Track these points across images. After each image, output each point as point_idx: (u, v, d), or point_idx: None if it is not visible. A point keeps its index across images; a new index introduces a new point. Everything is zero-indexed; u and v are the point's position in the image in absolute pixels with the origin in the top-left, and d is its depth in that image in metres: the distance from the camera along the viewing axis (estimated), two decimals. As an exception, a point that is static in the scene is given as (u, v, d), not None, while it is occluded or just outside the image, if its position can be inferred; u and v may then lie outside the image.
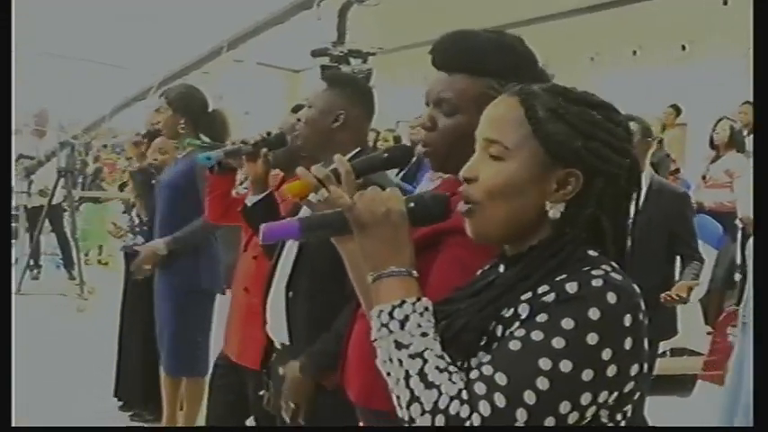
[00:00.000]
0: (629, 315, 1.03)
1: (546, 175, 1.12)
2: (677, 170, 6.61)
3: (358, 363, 1.60)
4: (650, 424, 3.39)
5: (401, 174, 4.82)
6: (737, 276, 5.37)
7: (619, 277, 1.07)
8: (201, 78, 14.52)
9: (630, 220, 3.70)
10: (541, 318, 1.04)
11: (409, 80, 9.61)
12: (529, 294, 1.07)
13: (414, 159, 2.43)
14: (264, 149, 2.37)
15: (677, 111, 8.36)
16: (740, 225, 5.53)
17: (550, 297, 1.05)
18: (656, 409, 3.56)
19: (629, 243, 3.66)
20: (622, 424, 1.10)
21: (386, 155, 1.56)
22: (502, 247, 1.21)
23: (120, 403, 4.42)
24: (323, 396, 1.99)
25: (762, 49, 1.60)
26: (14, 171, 7.04)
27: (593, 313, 1.02)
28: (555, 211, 1.12)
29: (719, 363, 3.50)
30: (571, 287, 1.04)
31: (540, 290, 1.06)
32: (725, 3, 8.51)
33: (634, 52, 10.13)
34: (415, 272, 1.13)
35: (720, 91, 8.32)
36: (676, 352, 4.93)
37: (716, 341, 3.86)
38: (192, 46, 7.38)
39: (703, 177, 6.12)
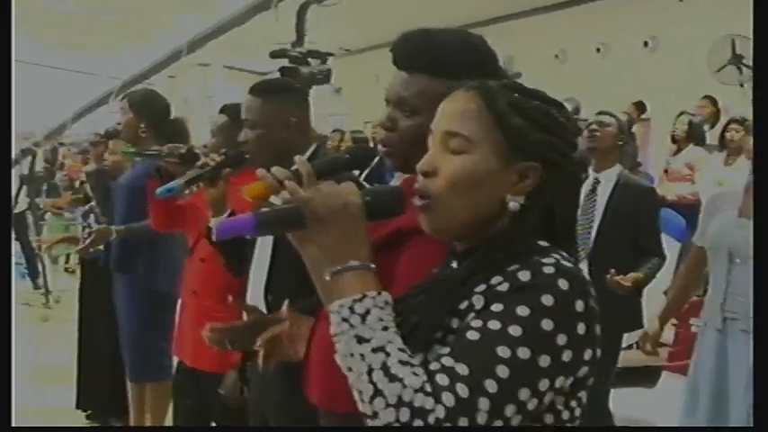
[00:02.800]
0: (580, 301, 1.05)
1: (506, 168, 1.13)
2: (638, 164, 6.69)
3: (320, 365, 1.58)
4: (615, 415, 3.42)
5: (363, 174, 4.81)
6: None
7: (569, 264, 1.08)
8: (167, 82, 14.47)
9: (600, 215, 3.66)
10: (497, 307, 1.05)
11: (378, 81, 9.62)
12: (483, 286, 1.09)
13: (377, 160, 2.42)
14: (226, 170, 2.34)
15: (641, 107, 8.45)
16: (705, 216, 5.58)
17: (504, 287, 1.06)
18: (621, 400, 3.59)
19: (593, 235, 3.66)
20: (577, 412, 1.11)
21: (348, 155, 1.56)
22: (452, 243, 1.21)
23: (87, 413, 4.38)
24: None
25: (762, 50, 1.61)
26: None
27: (547, 300, 1.04)
28: (515, 204, 1.13)
29: (683, 353, 3.53)
30: (524, 275, 1.06)
31: (494, 281, 1.08)
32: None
33: (598, 49, 10.24)
34: (373, 265, 1.12)
35: (682, 86, 8.42)
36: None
37: (680, 332, 3.90)
38: (154, 49, 7.34)
39: (665, 171, 6.20)
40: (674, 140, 6.20)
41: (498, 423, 1.01)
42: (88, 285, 4.41)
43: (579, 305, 1.05)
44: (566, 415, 1.09)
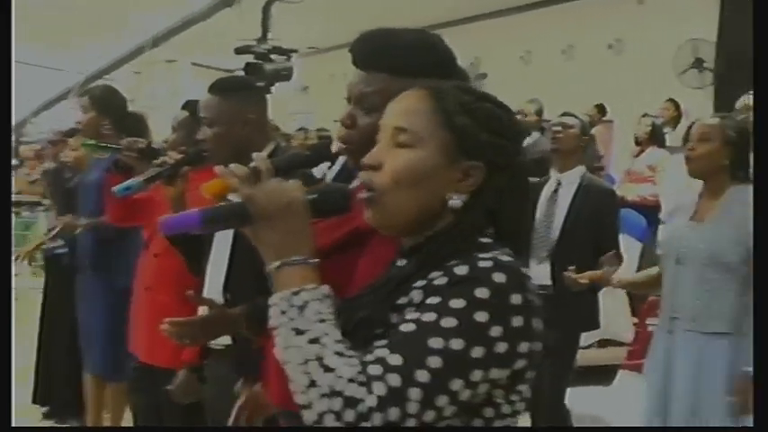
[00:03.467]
0: (517, 294, 1.07)
1: (452, 166, 1.15)
2: (601, 167, 6.77)
3: (279, 365, 1.59)
4: (573, 413, 3.46)
5: (333, 172, 4.79)
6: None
7: (508, 259, 1.10)
8: (133, 78, 14.35)
9: (565, 215, 3.69)
10: (433, 300, 1.07)
11: (346, 79, 9.61)
12: (423, 281, 1.11)
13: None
14: (185, 168, 2.33)
15: (601, 109, 8.55)
16: (665, 219, 5.67)
17: (442, 281, 1.08)
18: (579, 398, 3.63)
19: (555, 236, 3.70)
20: (519, 405, 1.13)
21: (307, 152, 1.56)
22: (400, 242, 1.23)
23: (45, 410, 4.33)
24: None
25: (762, 49, 1.64)
26: None
27: (482, 292, 1.05)
28: (456, 201, 1.15)
29: (641, 352, 3.58)
30: (461, 270, 1.08)
31: (433, 275, 1.10)
32: (640, 2, 8.75)
33: (563, 51, 10.33)
34: (314, 260, 1.14)
35: (646, 88, 8.53)
36: (603, 343, 5.04)
37: (639, 331, 3.96)
38: (120, 45, 7.28)
39: (627, 172, 6.28)
40: (637, 142, 6.29)
41: (431, 413, 1.03)
42: (52, 284, 4.36)
43: (516, 298, 1.07)
44: (506, 408, 1.11)
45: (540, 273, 3.48)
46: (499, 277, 1.07)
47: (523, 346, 1.08)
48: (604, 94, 8.97)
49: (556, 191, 3.54)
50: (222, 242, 2.18)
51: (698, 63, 8.79)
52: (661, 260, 3.00)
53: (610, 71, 9.56)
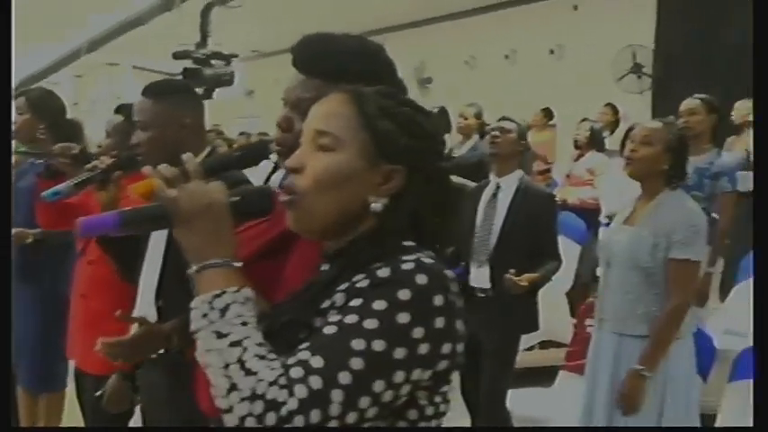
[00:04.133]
0: (439, 295, 1.08)
1: (372, 170, 1.16)
2: (547, 170, 6.86)
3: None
4: (513, 415, 3.49)
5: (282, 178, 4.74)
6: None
7: (431, 261, 1.11)
8: (73, 82, 14.07)
9: (504, 219, 3.71)
10: (355, 302, 1.08)
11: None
12: (346, 284, 1.11)
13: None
14: (117, 173, 2.29)
15: (548, 114, 8.67)
16: (604, 221, 5.76)
17: (364, 283, 1.09)
18: (519, 400, 3.66)
19: (494, 240, 3.73)
20: (442, 407, 1.14)
21: (238, 153, 1.55)
22: (324, 246, 1.23)
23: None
24: None
25: (762, 49, 1.66)
26: None
27: (404, 294, 1.06)
28: (377, 205, 1.15)
29: (580, 353, 3.63)
30: (383, 272, 1.09)
31: (356, 278, 1.11)
32: (575, 8, 8.90)
33: (506, 56, 10.46)
34: (237, 263, 1.13)
35: (586, 93, 8.68)
36: (544, 345, 5.11)
37: (577, 332, 4.01)
38: (60, 48, 7.13)
39: (568, 176, 6.37)
40: (576, 146, 6.39)
41: (353, 415, 1.03)
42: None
43: (438, 300, 1.08)
44: (430, 410, 1.12)
45: (479, 276, 3.51)
46: (421, 279, 1.07)
47: (446, 347, 1.09)
48: (547, 98, 9.10)
49: (495, 195, 3.56)
50: (155, 249, 2.15)
51: (636, 68, 8.97)
52: (599, 262, 3.07)
53: (551, 76, 9.71)
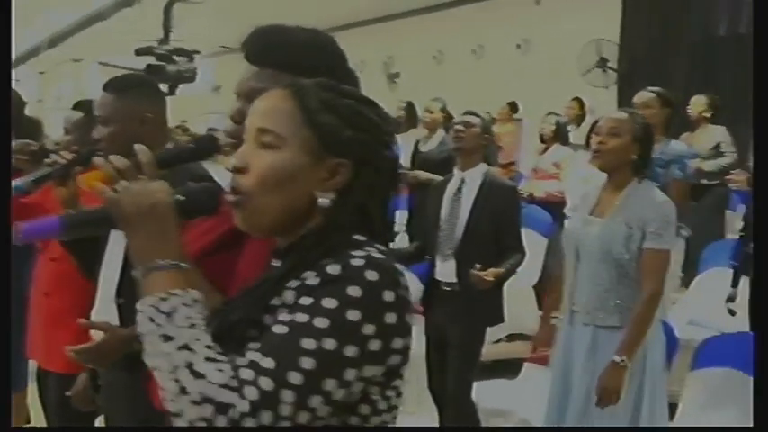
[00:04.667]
0: (390, 291, 1.07)
1: (317, 165, 1.14)
2: (512, 163, 6.90)
3: None
4: (479, 407, 3.51)
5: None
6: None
7: (381, 256, 1.10)
8: (37, 78, 13.88)
9: (468, 213, 3.69)
10: (305, 300, 1.06)
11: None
12: (296, 282, 1.10)
13: None
14: (76, 168, 2.26)
15: (513, 108, 8.71)
16: (569, 214, 5.82)
17: (314, 281, 1.08)
18: (485, 392, 3.69)
19: (459, 234, 3.71)
20: (394, 401, 1.14)
21: (192, 145, 1.54)
22: (275, 241, 1.22)
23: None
24: None
25: (761, 48, 1.68)
26: None
27: (354, 291, 1.05)
28: (325, 200, 1.14)
29: (545, 345, 3.67)
30: (333, 269, 1.08)
31: (306, 275, 1.09)
32: (537, 2, 8.95)
33: (473, 51, 10.50)
34: (184, 264, 1.11)
35: (552, 87, 8.73)
36: (512, 337, 5.15)
37: (542, 324, 4.05)
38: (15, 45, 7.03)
39: (534, 170, 6.42)
40: (542, 140, 6.43)
41: (304, 414, 1.03)
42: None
43: (388, 295, 1.07)
44: (382, 404, 1.12)
45: (445, 270, 3.52)
46: (371, 275, 1.07)
47: (397, 342, 1.09)
48: (514, 93, 9.15)
49: (459, 189, 3.57)
50: (116, 245, 2.13)
51: (602, 63, 9.05)
52: (565, 254, 3.05)
53: (518, 70, 9.76)
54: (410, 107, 7.27)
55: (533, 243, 5.03)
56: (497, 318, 3.61)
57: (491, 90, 9.36)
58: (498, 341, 5.07)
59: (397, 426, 1.16)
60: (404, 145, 6.51)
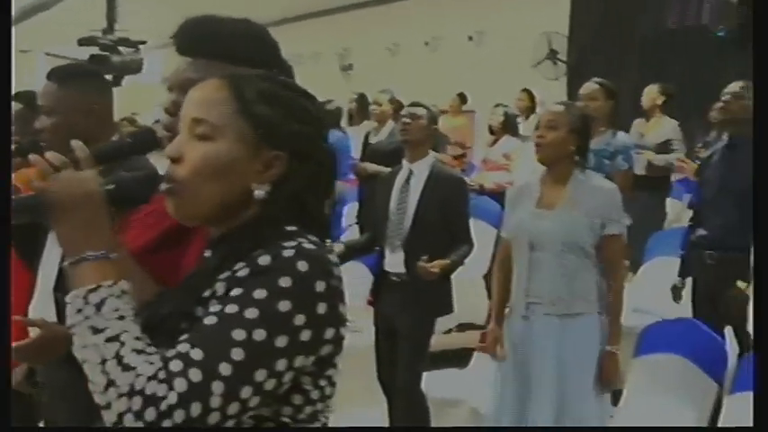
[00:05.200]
0: (321, 281, 1.07)
1: (252, 156, 1.13)
2: (463, 154, 6.94)
3: None
4: (429, 397, 3.53)
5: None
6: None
7: (312, 247, 1.10)
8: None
9: (417, 204, 3.67)
10: (236, 292, 1.06)
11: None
12: (227, 273, 1.10)
13: None
14: (16, 160, 2.22)
15: (462, 99, 8.76)
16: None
17: (245, 272, 1.08)
18: (435, 382, 3.72)
19: (408, 225, 3.71)
20: (328, 390, 1.14)
21: (130, 139, 1.52)
22: (209, 232, 1.21)
23: None
24: None
25: (761, 47, 1.70)
26: None
27: (285, 281, 1.05)
28: (260, 192, 1.14)
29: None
30: (264, 260, 1.07)
31: (237, 267, 1.09)
32: None
33: (426, 43, 10.53)
34: (114, 254, 1.10)
35: (504, 79, 8.80)
36: (462, 327, 5.17)
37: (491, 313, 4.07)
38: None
39: (484, 161, 6.46)
40: (491, 131, 6.48)
41: (235, 405, 1.03)
42: None
43: (320, 286, 1.07)
44: (315, 394, 1.12)
45: (394, 261, 3.53)
46: (302, 265, 1.07)
47: (329, 332, 1.09)
48: (467, 84, 9.20)
49: (408, 180, 3.58)
50: (55, 239, 2.10)
51: (552, 54, 9.15)
52: (513, 247, 3.07)
53: (471, 62, 9.82)
54: (362, 99, 7.27)
55: (483, 233, 5.07)
56: (446, 308, 3.64)
57: (445, 82, 9.39)
58: (449, 331, 5.10)
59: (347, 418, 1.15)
60: (355, 136, 6.52)
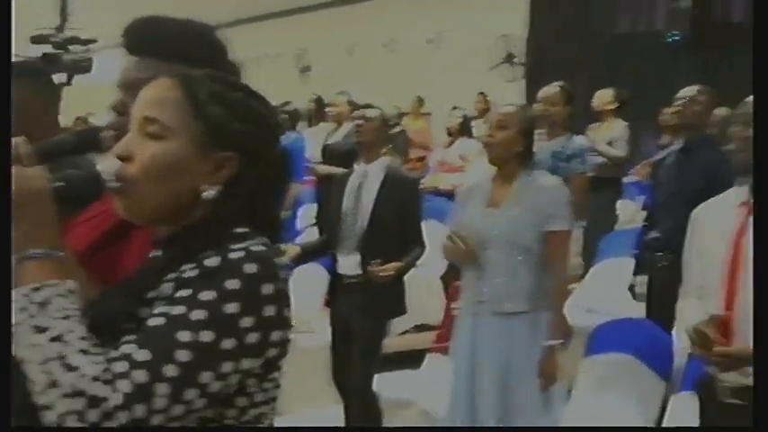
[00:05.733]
0: (269, 284, 1.07)
1: (203, 157, 1.13)
2: (423, 157, 6.98)
3: None
4: (381, 397, 3.54)
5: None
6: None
7: (261, 249, 1.10)
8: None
9: (371, 206, 3.66)
10: (183, 293, 1.06)
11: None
12: (174, 274, 1.09)
13: None
14: None
15: (420, 101, 8.81)
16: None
17: (193, 273, 1.07)
18: (387, 383, 3.73)
19: (363, 227, 3.70)
20: (273, 392, 1.14)
21: (74, 138, 1.50)
22: (156, 232, 1.20)
23: None
24: None
25: (762, 48, 1.72)
26: None
27: (233, 284, 1.05)
28: (210, 193, 1.13)
29: (448, 334, 3.72)
30: (212, 261, 1.07)
31: (185, 267, 1.09)
32: None
33: (384, 45, 10.56)
34: (60, 253, 1.08)
35: (461, 81, 8.86)
36: (419, 328, 5.19)
37: (446, 314, 4.10)
38: None
39: (440, 162, 6.50)
40: (448, 133, 6.52)
41: (179, 407, 1.02)
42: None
43: (267, 288, 1.07)
44: (260, 396, 1.12)
45: (348, 263, 3.53)
46: (250, 268, 1.06)
47: (275, 335, 1.09)
48: (425, 86, 9.24)
49: (362, 182, 3.58)
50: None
51: (509, 57, 9.24)
52: None
53: (429, 64, 9.86)
54: (319, 101, 7.28)
55: (439, 235, 5.09)
56: (399, 310, 3.65)
57: (403, 84, 9.43)
58: (405, 332, 5.12)
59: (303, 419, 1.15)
60: (313, 138, 6.52)
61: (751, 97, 2.23)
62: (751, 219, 2.19)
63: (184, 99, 1.14)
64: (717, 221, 2.30)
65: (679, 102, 3.83)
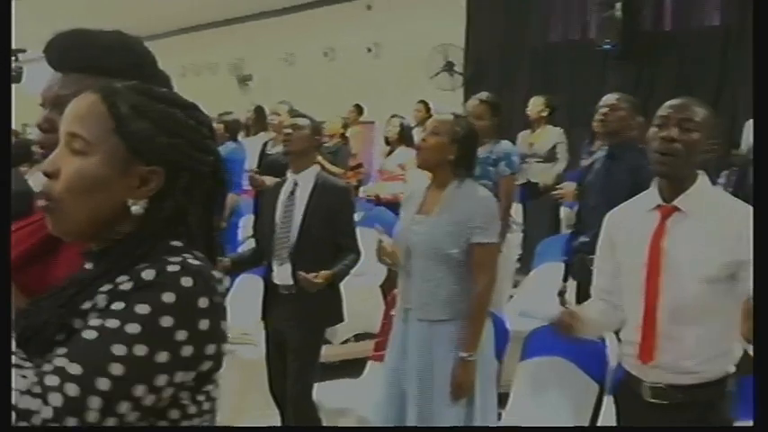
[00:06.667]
0: (204, 298, 1.07)
1: (128, 172, 1.12)
2: (360, 165, 6.98)
3: None
4: (321, 407, 3.53)
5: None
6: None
7: (197, 263, 1.10)
8: None
9: (303, 215, 3.67)
10: (117, 306, 1.05)
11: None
12: (109, 286, 1.09)
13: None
14: None
15: (359, 110, 8.83)
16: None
17: (128, 285, 1.07)
18: (327, 392, 3.72)
19: (294, 236, 3.67)
20: (206, 405, 1.14)
21: None
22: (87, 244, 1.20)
23: None
24: None
25: (762, 50, 1.74)
26: None
27: (168, 297, 1.05)
28: (138, 207, 1.13)
29: (386, 342, 3.73)
30: (148, 274, 1.07)
31: (119, 280, 1.08)
32: (368, 8, 9.12)
33: (325, 53, 10.57)
34: None
35: (402, 90, 8.92)
36: (360, 337, 5.20)
37: (384, 322, 4.11)
38: None
39: (380, 171, 6.52)
40: (387, 142, 6.54)
41: (112, 420, 1.02)
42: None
43: (203, 302, 1.07)
44: (192, 409, 1.12)
45: (282, 273, 3.51)
46: (187, 281, 1.06)
47: (210, 348, 1.09)
48: (365, 95, 9.28)
49: (293, 192, 3.56)
50: None
51: (449, 66, 9.33)
52: (399, 252, 3.10)
53: (369, 73, 9.90)
54: (259, 110, 7.24)
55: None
56: (336, 318, 3.64)
57: (343, 92, 9.45)
58: (347, 341, 5.12)
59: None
60: (253, 147, 6.48)
61: (673, 100, 2.29)
62: (668, 222, 2.25)
63: (107, 114, 1.13)
64: (630, 226, 2.35)
65: (602, 109, 3.92)
